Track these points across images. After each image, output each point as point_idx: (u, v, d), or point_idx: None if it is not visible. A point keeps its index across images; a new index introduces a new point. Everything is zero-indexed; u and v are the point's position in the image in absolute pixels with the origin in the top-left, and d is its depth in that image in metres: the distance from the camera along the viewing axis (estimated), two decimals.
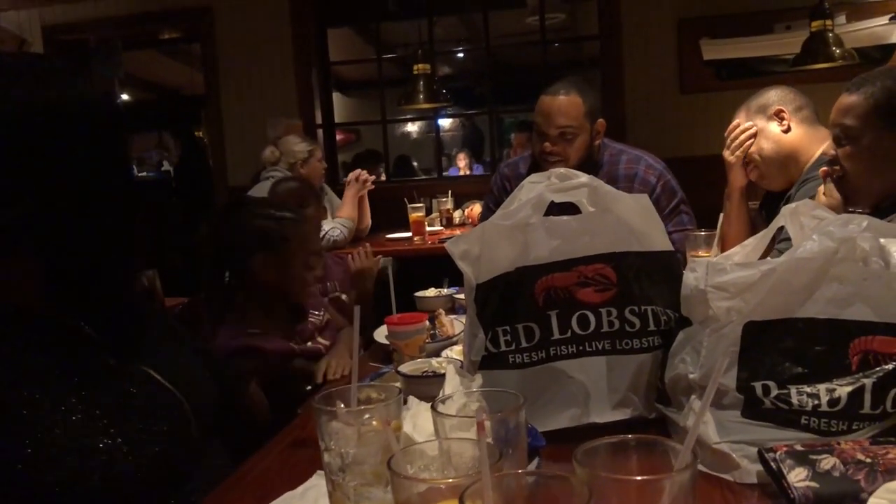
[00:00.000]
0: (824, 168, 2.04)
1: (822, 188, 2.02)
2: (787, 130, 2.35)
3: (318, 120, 5.87)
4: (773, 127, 2.37)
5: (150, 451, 1.11)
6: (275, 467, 1.27)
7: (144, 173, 9.88)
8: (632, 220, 1.28)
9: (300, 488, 1.13)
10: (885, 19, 4.80)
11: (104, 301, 1.19)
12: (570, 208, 1.33)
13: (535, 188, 1.32)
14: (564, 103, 2.62)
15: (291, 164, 4.22)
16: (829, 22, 4.27)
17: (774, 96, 2.40)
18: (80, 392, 1.08)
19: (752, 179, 2.46)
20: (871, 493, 0.92)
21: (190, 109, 8.99)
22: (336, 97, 6.50)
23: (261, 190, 3.64)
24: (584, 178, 1.31)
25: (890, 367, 1.04)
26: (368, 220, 4.50)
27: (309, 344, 2.14)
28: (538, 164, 2.69)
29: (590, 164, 2.65)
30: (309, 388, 1.97)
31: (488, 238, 1.27)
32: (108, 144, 1.13)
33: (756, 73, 4.86)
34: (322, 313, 2.28)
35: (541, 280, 1.23)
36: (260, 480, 1.21)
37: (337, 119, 6.32)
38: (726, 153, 2.47)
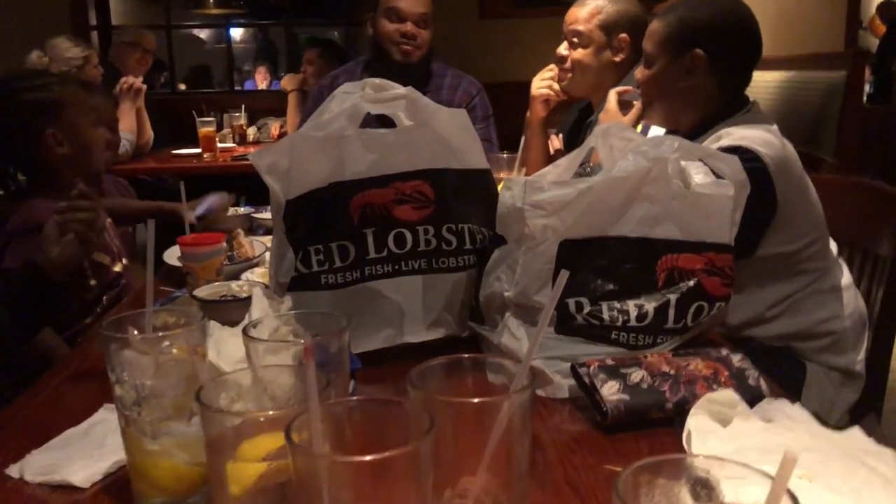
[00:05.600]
0: (620, 88, 2.09)
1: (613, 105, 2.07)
2: (621, 61, 2.26)
3: (93, 21, 5.27)
4: (607, 54, 2.27)
5: None
6: (51, 402, 1.13)
7: None
8: (449, 136, 1.23)
9: (84, 424, 1.02)
10: None
11: None
12: (385, 122, 1.27)
13: (349, 98, 1.23)
14: None
15: (64, 71, 3.73)
16: None
17: (628, 19, 2.24)
18: None
19: (559, 86, 2.36)
20: (674, 403, 0.96)
21: None
22: None
23: None
24: (401, 89, 1.24)
25: (691, 283, 1.09)
26: (149, 133, 4.13)
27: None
28: (364, 72, 2.70)
29: (426, 61, 2.75)
30: (94, 282, 1.79)
31: (299, 150, 1.17)
32: None
33: (553, 2, 4.94)
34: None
35: (357, 196, 1.16)
36: (35, 418, 1.07)
37: (115, 22, 5.71)
38: (536, 83, 2.43)
